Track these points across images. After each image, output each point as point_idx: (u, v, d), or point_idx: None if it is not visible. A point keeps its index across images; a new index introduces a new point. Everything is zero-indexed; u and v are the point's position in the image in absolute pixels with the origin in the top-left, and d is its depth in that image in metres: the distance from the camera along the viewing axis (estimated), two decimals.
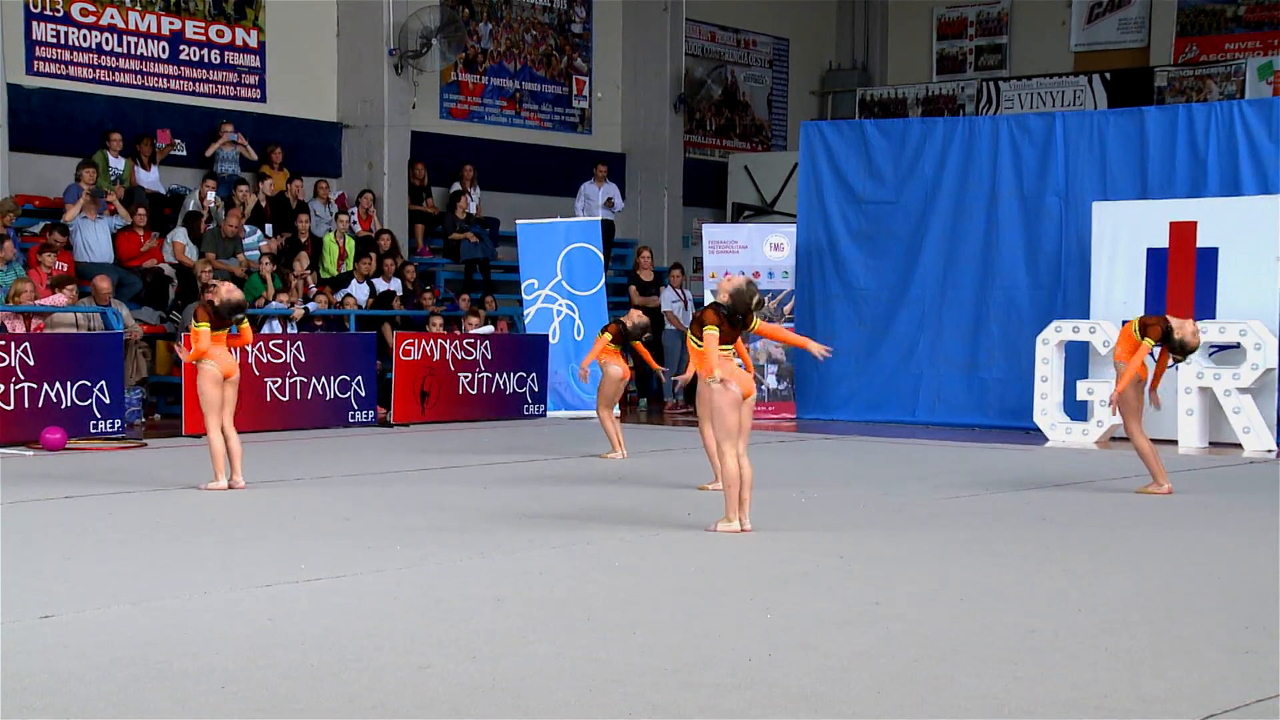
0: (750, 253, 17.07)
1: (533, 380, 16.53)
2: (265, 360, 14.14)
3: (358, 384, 14.93)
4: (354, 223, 18.05)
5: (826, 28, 25.58)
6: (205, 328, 10.02)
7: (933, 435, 14.96)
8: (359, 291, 16.89)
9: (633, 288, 18.69)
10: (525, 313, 17.35)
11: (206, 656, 5.34)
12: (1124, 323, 10.93)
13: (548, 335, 16.92)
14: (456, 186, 19.72)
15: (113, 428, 13.21)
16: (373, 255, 17.34)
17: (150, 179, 17.09)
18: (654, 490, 10.42)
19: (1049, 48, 23.82)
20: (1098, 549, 7.98)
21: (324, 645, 5.55)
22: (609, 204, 20.47)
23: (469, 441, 13.82)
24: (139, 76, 17.53)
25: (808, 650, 5.55)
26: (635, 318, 12.55)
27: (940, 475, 11.36)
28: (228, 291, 10.21)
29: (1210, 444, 13.83)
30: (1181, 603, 6.52)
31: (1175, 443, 13.68)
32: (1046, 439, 14.26)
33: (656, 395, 18.89)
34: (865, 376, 16.56)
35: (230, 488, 9.96)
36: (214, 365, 10.03)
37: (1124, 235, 14.55)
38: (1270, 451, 13.35)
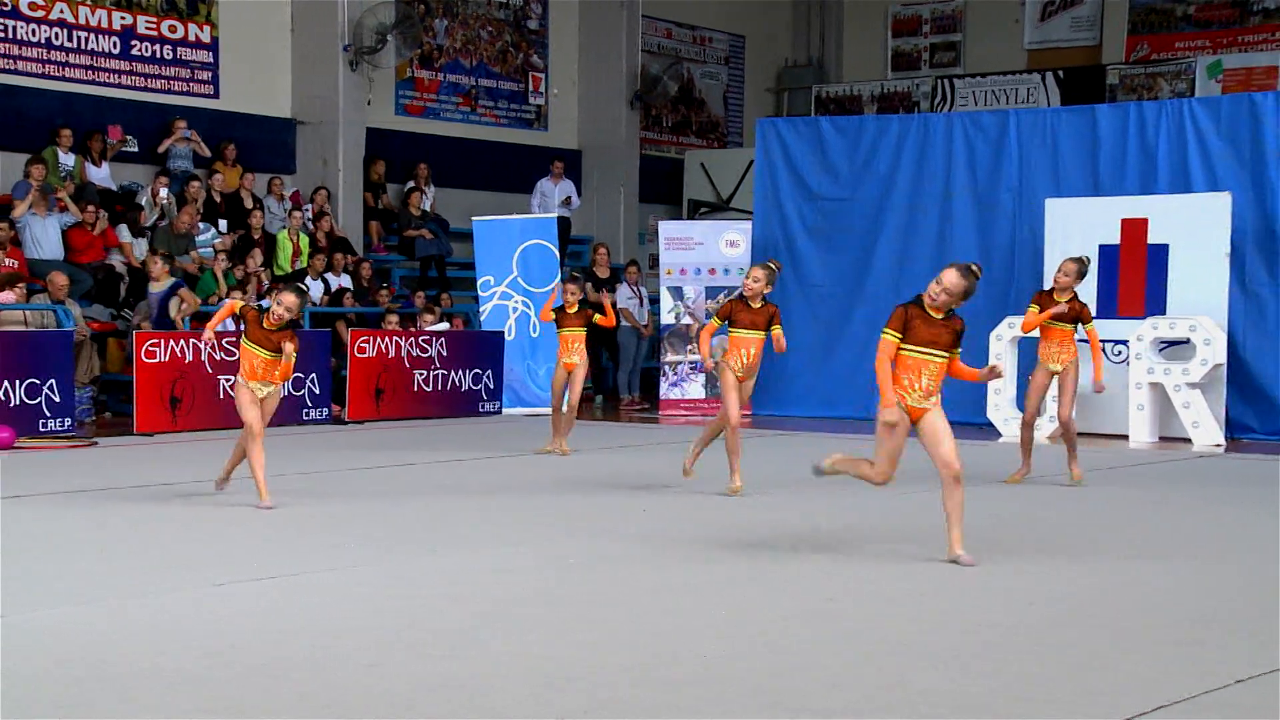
0: (706, 249, 17.09)
1: (488, 377, 16.49)
2: (218, 358, 14.02)
3: (312, 381, 14.84)
4: (308, 219, 17.95)
5: (782, 25, 25.63)
6: (229, 316, 9.86)
7: None
8: (313, 288, 16.80)
9: (589, 284, 18.65)
10: (481, 309, 17.31)
11: (156, 657, 5.30)
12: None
13: (503, 332, 16.89)
14: (412, 183, 19.65)
15: (62, 426, 13.09)
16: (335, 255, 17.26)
17: (101, 175, 16.93)
18: (609, 488, 10.41)
19: (1003, 45, 23.95)
20: (1049, 543, 8.04)
21: (276, 644, 5.52)
22: (566, 202, 20.45)
23: (424, 439, 13.77)
24: (89, 72, 17.37)
25: (764, 647, 5.56)
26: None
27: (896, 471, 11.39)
28: (284, 304, 8.99)
29: (1160, 439, 13.95)
30: (1132, 596, 6.57)
31: (1126, 438, 13.79)
32: (1000, 434, 14.34)
33: (612, 391, 18.89)
34: (821, 373, 16.60)
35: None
36: (251, 384, 9.08)
37: (1076, 231, 14.64)
38: (1219, 446, 13.48)
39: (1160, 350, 14.06)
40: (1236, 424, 14.17)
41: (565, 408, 12.43)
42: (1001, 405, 14.50)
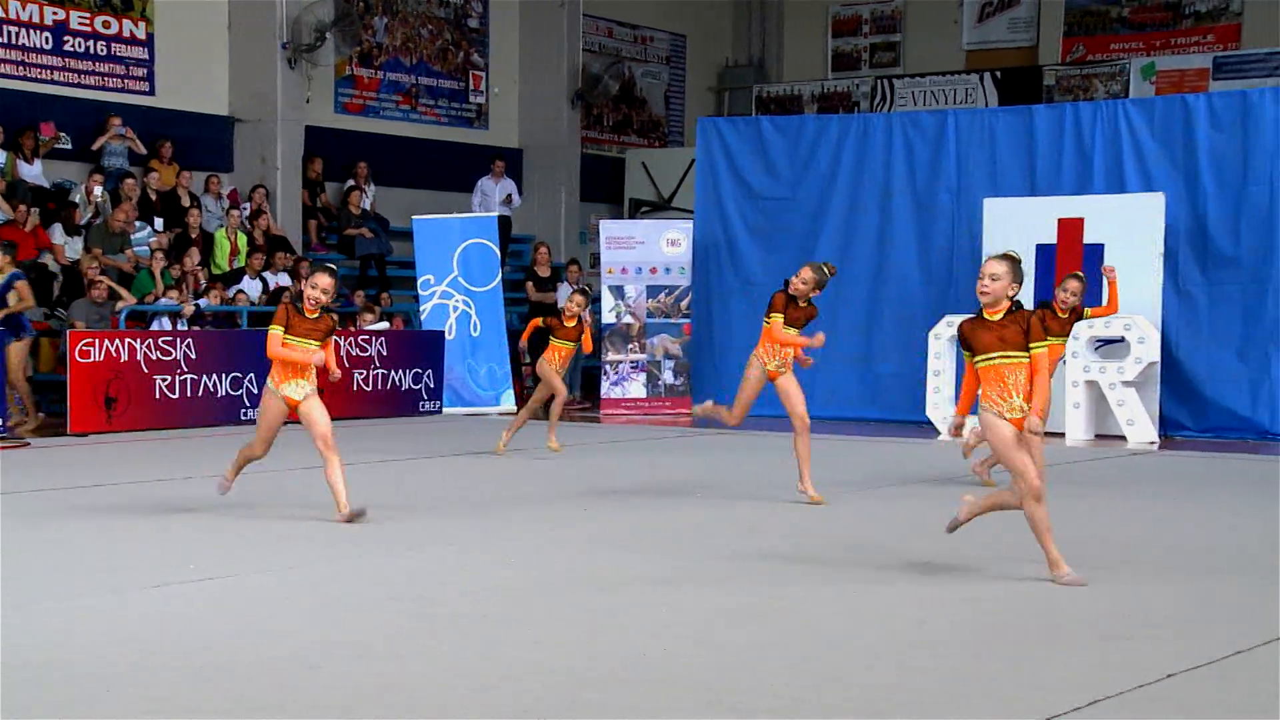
0: (647, 248, 17.10)
1: (429, 377, 16.42)
2: (155, 358, 13.89)
3: (250, 381, 14.72)
4: (245, 218, 17.79)
5: (723, 25, 25.68)
6: (278, 331, 8.39)
7: (827, 429, 15.07)
8: (251, 288, 16.67)
9: (529, 284, 18.64)
10: (421, 309, 17.23)
11: (90, 659, 5.24)
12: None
13: (444, 331, 16.82)
14: (351, 182, 19.53)
15: None
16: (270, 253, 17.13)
17: (33, 173, 16.69)
18: (550, 487, 10.40)
19: (941, 46, 24.11)
20: (986, 541, 8.10)
21: (212, 646, 5.47)
22: (507, 200, 20.39)
23: (362, 438, 13.69)
24: (21, 67, 17.12)
25: (702, 645, 5.57)
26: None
27: (834, 470, 11.45)
28: (318, 287, 8.43)
29: (1095, 436, 14.10)
30: (1068, 592, 6.62)
31: (1063, 435, 13.92)
32: (939, 432, 14.44)
33: None
34: None
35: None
36: (284, 388, 8.42)
37: (1014, 231, 14.75)
38: (1153, 443, 13.64)
39: (1096, 349, 14.21)
40: (1170, 421, 14.35)
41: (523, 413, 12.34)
42: (940, 404, 14.60)
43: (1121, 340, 13.98)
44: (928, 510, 8.95)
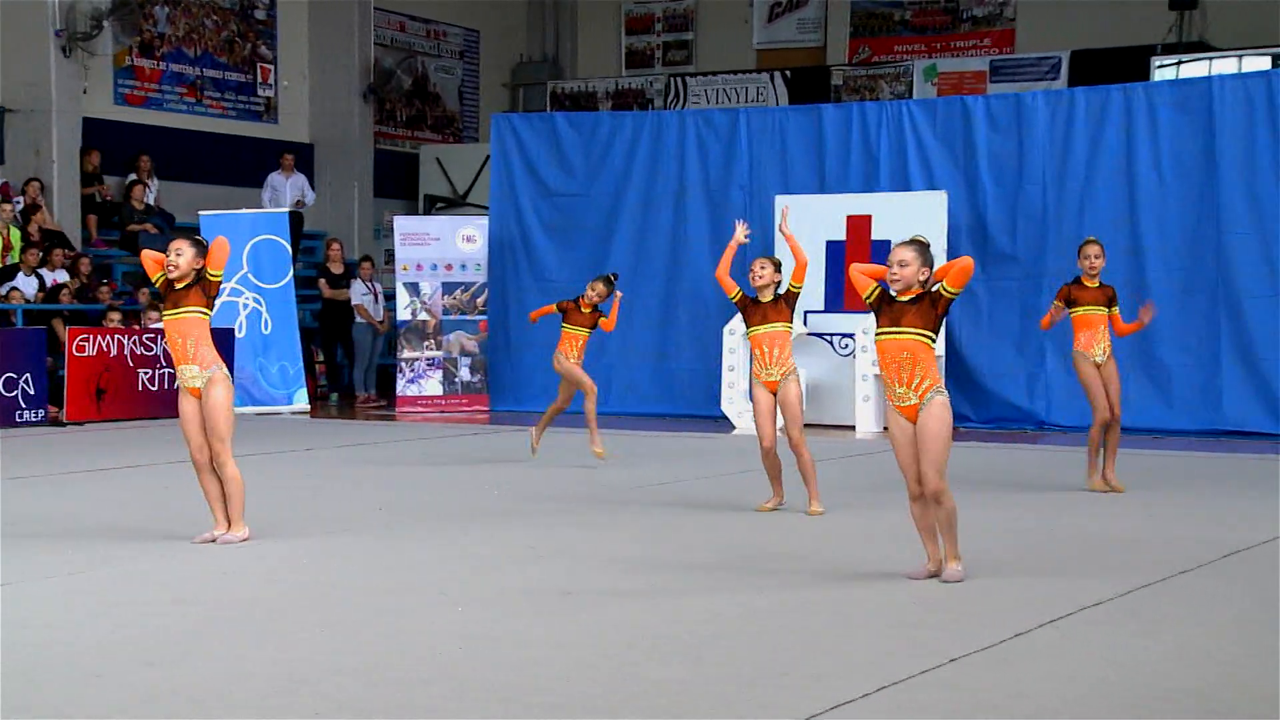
0: (442, 245, 16.97)
1: None
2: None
3: (26, 381, 14.20)
4: (18, 212, 17.10)
5: (517, 20, 25.62)
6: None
7: (624, 425, 15.18)
8: (26, 285, 16.04)
9: (322, 280, 18.34)
10: None
11: None
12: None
13: (234, 329, 16.44)
14: (134, 176, 18.93)
15: None
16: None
17: None
18: (342, 488, 10.25)
19: (733, 45, 24.45)
20: (777, 530, 8.25)
21: None
22: (300, 204, 19.99)
23: (149, 439, 13.30)
24: None
25: (498, 643, 5.55)
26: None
27: (632, 464, 11.54)
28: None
29: (884, 429, 14.46)
30: (856, 580, 6.78)
31: (853, 428, 14.26)
32: (734, 426, 14.66)
33: (348, 389, 18.60)
34: None
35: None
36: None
37: (805, 228, 14.97)
38: None
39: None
40: (956, 414, 14.73)
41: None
42: (735, 399, 14.82)
43: None
44: (710, 499, 9.08)
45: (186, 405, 7.66)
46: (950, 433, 6.55)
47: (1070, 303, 10.00)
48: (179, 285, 7.54)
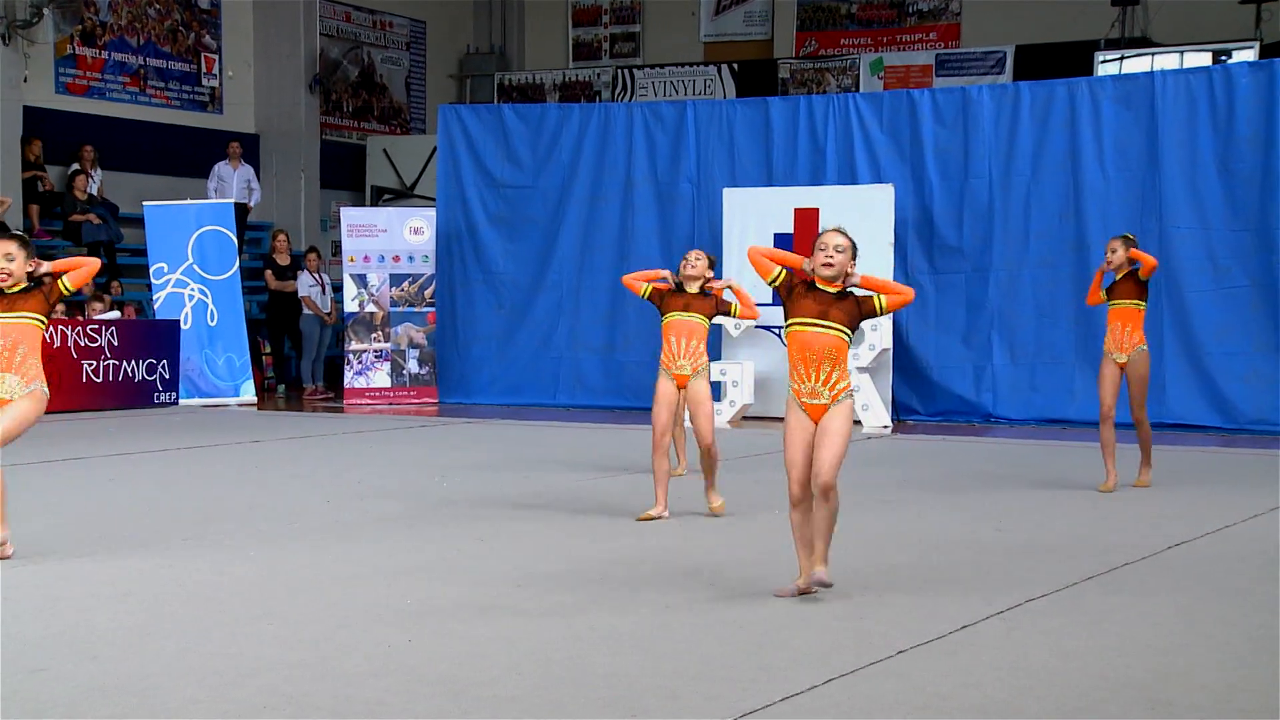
0: (390, 236, 16.89)
1: (164, 367, 15.90)
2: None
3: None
4: None
5: (463, 11, 25.52)
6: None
7: (572, 418, 15.18)
8: None
9: (269, 272, 18.21)
10: (155, 297, 16.67)
11: None
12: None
13: (179, 320, 16.31)
14: (76, 166, 18.72)
15: None
16: None
17: None
18: (287, 479, 10.19)
19: (680, 38, 24.47)
20: (723, 525, 8.27)
21: None
22: (249, 190, 19.83)
23: (93, 432, 13.17)
24: None
25: (447, 636, 5.54)
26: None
27: (578, 456, 11.54)
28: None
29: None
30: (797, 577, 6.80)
31: None
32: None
33: (296, 381, 18.48)
34: (505, 361, 16.67)
35: None
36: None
37: (753, 220, 15.11)
38: (886, 428, 14.14)
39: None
40: (903, 406, 14.90)
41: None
42: None
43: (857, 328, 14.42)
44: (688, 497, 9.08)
45: None
46: (851, 433, 6.18)
47: (1109, 297, 9.81)
48: (11, 289, 7.02)
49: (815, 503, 6.14)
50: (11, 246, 7.07)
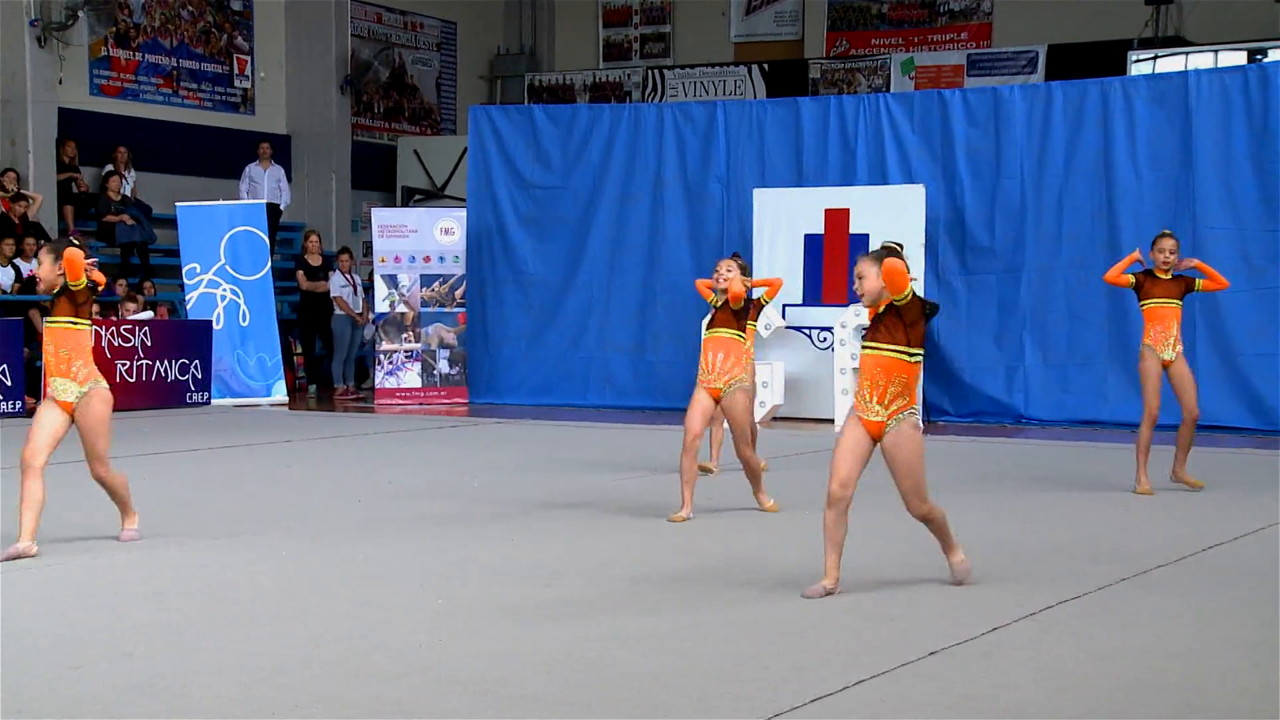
0: (420, 237, 16.93)
1: (196, 367, 15.98)
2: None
3: (3, 373, 14.13)
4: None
5: (494, 12, 25.56)
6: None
7: (602, 418, 15.18)
8: (3, 275, 15.95)
9: (300, 272, 18.28)
10: (187, 298, 16.76)
11: None
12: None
13: (211, 321, 16.39)
14: (110, 167, 18.84)
15: None
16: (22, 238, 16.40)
17: None
18: (318, 479, 10.23)
19: (710, 38, 24.45)
20: (753, 525, 8.26)
21: None
22: (279, 194, 19.92)
23: (126, 432, 13.23)
24: None
25: (477, 636, 5.55)
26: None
27: (608, 457, 11.54)
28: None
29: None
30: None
31: (831, 421, 14.27)
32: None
33: (327, 381, 18.55)
34: (535, 361, 16.69)
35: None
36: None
37: (783, 221, 15.09)
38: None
39: (862, 336, 14.58)
40: (934, 407, 14.84)
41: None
42: None
43: None
44: (720, 497, 9.08)
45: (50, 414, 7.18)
46: (923, 453, 6.28)
47: (1142, 295, 9.62)
48: (51, 293, 7.22)
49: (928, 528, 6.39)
50: (42, 252, 7.22)
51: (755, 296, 8.83)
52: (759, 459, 8.73)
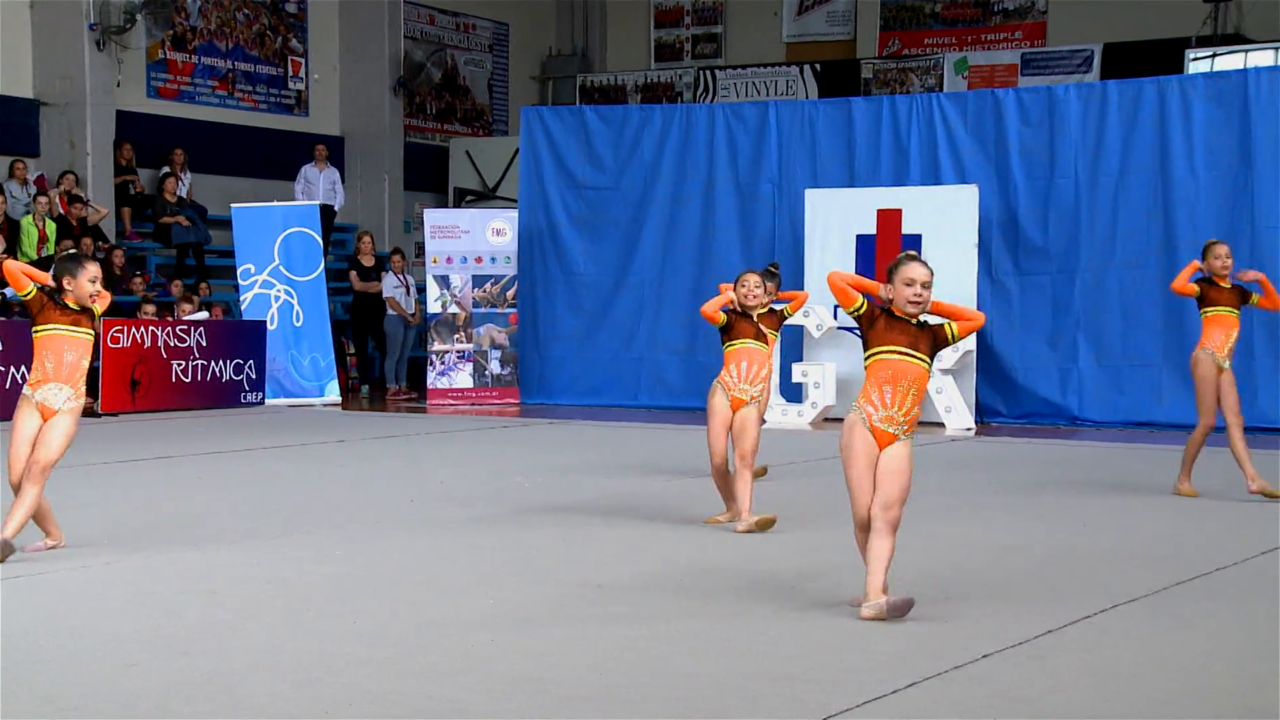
0: (472, 238, 17.00)
1: (250, 367, 16.11)
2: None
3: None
4: (57, 203, 17.22)
5: (546, 13, 25.63)
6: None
7: (653, 419, 15.19)
8: None
9: (353, 273, 18.39)
10: (242, 298, 16.90)
11: None
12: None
13: (265, 321, 16.52)
14: (166, 169, 19.03)
15: None
16: (83, 239, 16.59)
17: None
18: (371, 479, 10.28)
19: (762, 38, 24.41)
20: (803, 531, 8.23)
21: (20, 645, 5.28)
22: (334, 195, 20.06)
23: (181, 431, 13.37)
24: None
25: (528, 636, 5.56)
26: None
27: (659, 458, 11.54)
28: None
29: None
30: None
31: None
32: (764, 421, 14.61)
33: (379, 381, 18.65)
34: (586, 361, 16.71)
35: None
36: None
37: (835, 222, 15.04)
38: (969, 430, 14.01)
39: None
40: (986, 408, 14.76)
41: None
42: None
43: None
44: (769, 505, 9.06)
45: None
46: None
47: (1204, 303, 9.41)
48: (79, 307, 7.20)
49: (878, 534, 5.90)
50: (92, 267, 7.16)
51: (779, 308, 8.80)
52: (752, 470, 8.34)
